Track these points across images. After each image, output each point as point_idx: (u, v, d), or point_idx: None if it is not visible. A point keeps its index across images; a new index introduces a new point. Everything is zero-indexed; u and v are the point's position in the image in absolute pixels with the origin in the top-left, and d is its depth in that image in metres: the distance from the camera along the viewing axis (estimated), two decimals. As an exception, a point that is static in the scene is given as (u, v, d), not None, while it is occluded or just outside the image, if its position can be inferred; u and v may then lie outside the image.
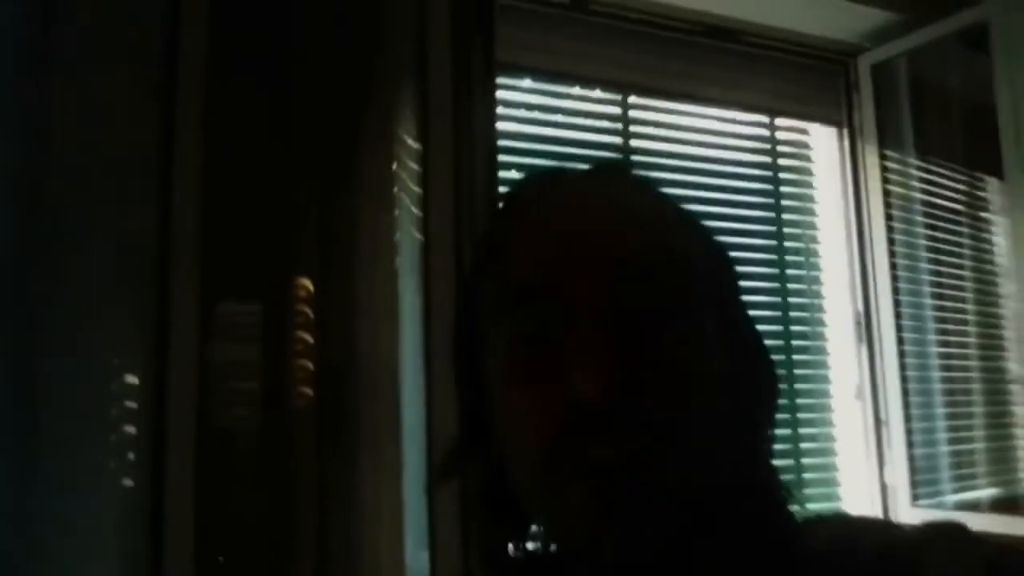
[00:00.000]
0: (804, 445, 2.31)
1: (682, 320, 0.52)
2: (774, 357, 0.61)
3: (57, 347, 1.43)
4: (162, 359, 1.45)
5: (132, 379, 1.50)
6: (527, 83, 2.10)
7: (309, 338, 1.55)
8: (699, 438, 0.51)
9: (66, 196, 1.46)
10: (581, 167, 0.63)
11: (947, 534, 0.54)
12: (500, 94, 1.94)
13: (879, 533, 0.55)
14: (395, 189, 1.67)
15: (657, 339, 0.51)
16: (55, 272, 1.44)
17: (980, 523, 2.14)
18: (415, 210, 1.68)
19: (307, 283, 1.56)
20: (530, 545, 0.61)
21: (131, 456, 1.49)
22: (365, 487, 1.55)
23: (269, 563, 1.49)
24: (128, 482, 1.48)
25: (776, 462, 0.60)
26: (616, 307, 0.51)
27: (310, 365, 1.55)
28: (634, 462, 0.49)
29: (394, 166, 1.67)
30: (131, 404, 1.50)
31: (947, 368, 2.35)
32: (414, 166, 1.69)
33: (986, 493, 2.27)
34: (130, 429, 1.49)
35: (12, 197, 1.45)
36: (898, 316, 2.36)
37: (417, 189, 1.68)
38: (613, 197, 0.58)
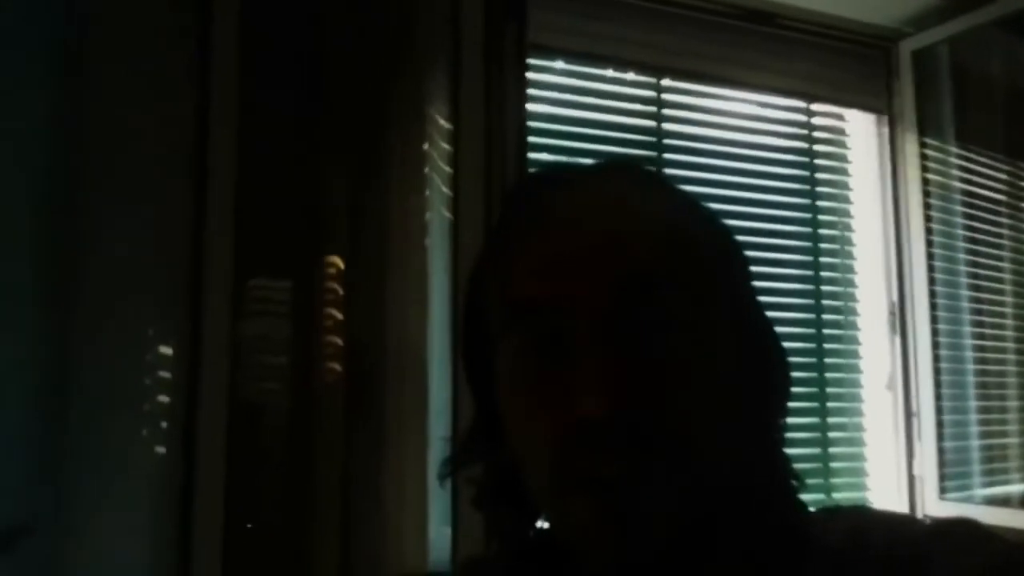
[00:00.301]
0: (833, 435, 2.30)
1: (689, 327, 0.52)
2: (785, 344, 0.60)
3: (93, 316, 1.46)
4: (195, 332, 1.48)
5: (166, 350, 1.54)
6: (560, 65, 2.09)
7: (339, 315, 1.58)
8: (708, 447, 0.51)
9: (103, 171, 1.49)
10: (585, 164, 0.61)
11: (959, 530, 0.54)
12: (532, 76, 1.94)
13: (892, 527, 0.55)
14: (426, 169, 1.68)
15: (662, 351, 0.50)
16: (92, 244, 1.48)
17: (1009, 519, 2.12)
18: (446, 190, 1.69)
19: (338, 261, 1.59)
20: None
21: (164, 424, 1.53)
22: (390, 462, 1.57)
23: (295, 534, 1.52)
24: (161, 449, 1.52)
25: (788, 451, 0.60)
26: (619, 321, 0.50)
27: (339, 341, 1.57)
28: (641, 478, 0.49)
29: (425, 146, 1.69)
30: (165, 374, 1.54)
31: (982, 361, 2.32)
32: (446, 146, 1.70)
33: (1017, 488, 2.24)
34: (164, 398, 1.53)
35: (50, 172, 1.49)
36: (933, 307, 2.33)
37: (448, 169, 1.69)
38: (616, 201, 0.55)
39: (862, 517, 0.57)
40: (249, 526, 1.52)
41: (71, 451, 1.43)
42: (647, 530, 0.50)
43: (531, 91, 1.92)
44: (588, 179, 0.59)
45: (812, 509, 0.60)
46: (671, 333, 0.51)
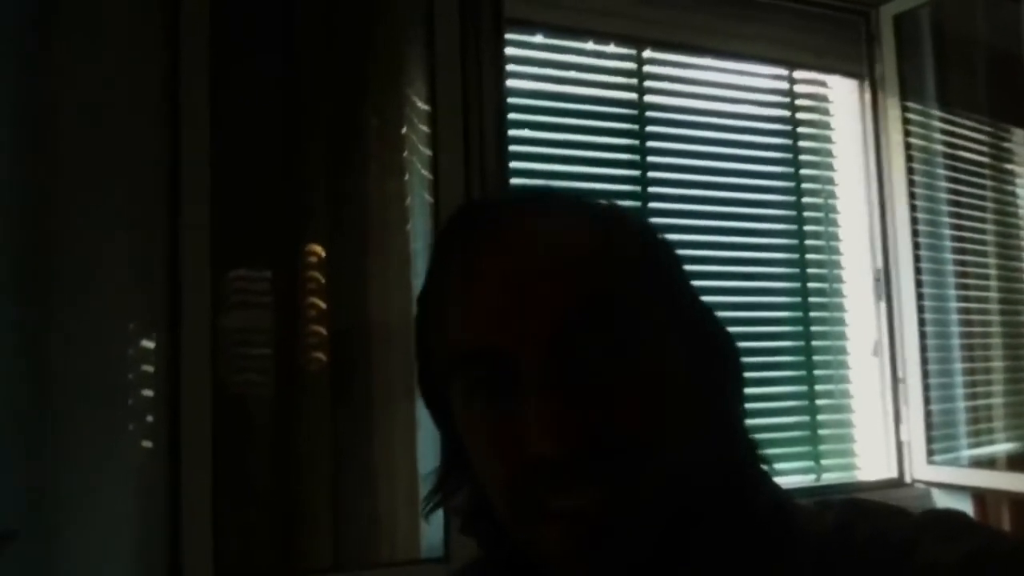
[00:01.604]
0: (820, 402, 2.31)
1: (631, 344, 0.52)
2: (728, 328, 0.60)
3: (72, 312, 1.45)
4: (175, 325, 1.47)
5: (148, 344, 1.52)
6: (539, 39, 2.06)
7: (321, 304, 1.56)
8: (669, 456, 0.52)
9: (76, 164, 1.46)
10: (506, 195, 0.61)
11: (944, 521, 0.55)
12: (511, 51, 1.91)
13: (878, 518, 0.56)
14: (405, 153, 1.66)
15: (609, 376, 0.51)
16: (67, 238, 1.46)
17: (996, 481, 2.14)
18: (426, 173, 1.67)
19: (318, 249, 1.57)
20: None
21: (149, 419, 1.52)
22: (379, 450, 1.57)
23: (284, 523, 1.52)
24: (147, 444, 1.51)
25: (752, 434, 0.60)
26: (561, 355, 0.50)
27: (323, 331, 1.56)
28: (601, 506, 0.50)
29: (404, 129, 1.66)
30: (148, 368, 1.52)
31: (967, 323, 2.33)
32: (424, 129, 1.68)
33: (1002, 448, 2.26)
34: (148, 392, 1.52)
35: (22, 163, 1.46)
36: (918, 272, 2.33)
37: (428, 152, 1.67)
38: (541, 236, 0.55)
39: (849, 509, 0.57)
40: (242, 512, 1.52)
41: (55, 449, 1.42)
42: (618, 548, 0.51)
43: (510, 66, 1.90)
44: (509, 216, 0.58)
45: (802, 501, 0.60)
46: (615, 355, 0.51)
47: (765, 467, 0.59)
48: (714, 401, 0.57)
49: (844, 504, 0.58)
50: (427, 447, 1.58)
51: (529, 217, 0.58)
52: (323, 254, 1.57)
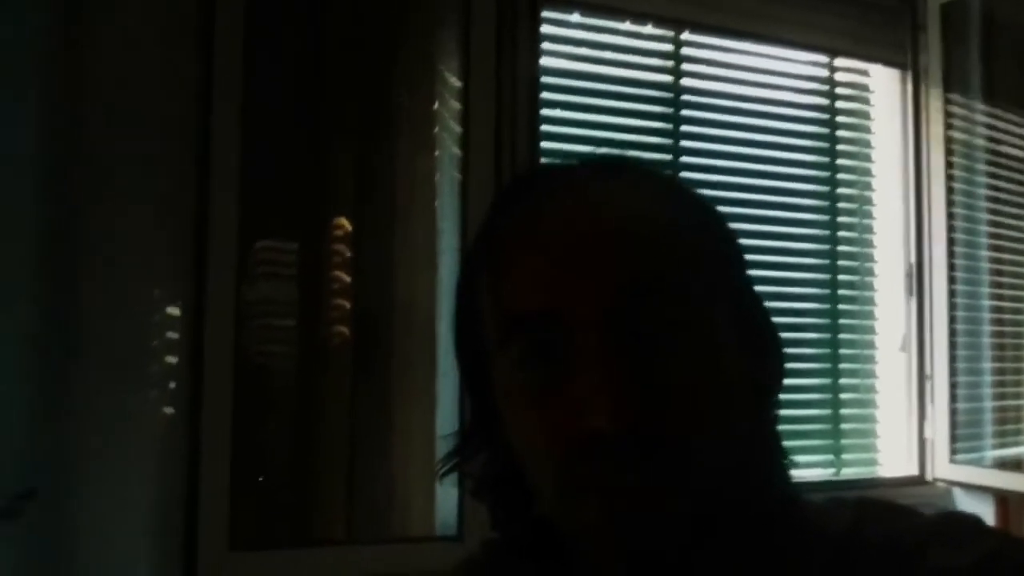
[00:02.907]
0: (845, 396, 2.28)
1: (688, 328, 0.51)
2: (779, 322, 0.60)
3: (99, 278, 1.46)
4: (200, 293, 1.47)
5: (173, 311, 1.53)
6: (575, 18, 2.03)
7: (346, 277, 1.56)
8: (713, 448, 0.51)
9: (106, 135, 1.47)
10: (573, 164, 0.60)
11: (957, 524, 0.54)
12: (546, 29, 1.89)
13: (893, 519, 0.56)
14: (436, 129, 1.64)
15: (663, 357, 0.50)
16: (97, 204, 1.46)
17: (1017, 482, 2.11)
18: (456, 150, 1.66)
19: (345, 223, 1.57)
20: None
21: (172, 385, 1.53)
22: (397, 426, 1.58)
23: (301, 494, 1.54)
24: (168, 410, 1.53)
25: (779, 434, 0.60)
26: (619, 330, 0.49)
27: (347, 304, 1.56)
28: (646, 488, 0.49)
29: (435, 105, 1.65)
30: (172, 335, 1.53)
31: (998, 322, 2.28)
32: (456, 105, 1.66)
33: (1027, 450, 2.23)
34: (171, 359, 1.53)
35: (54, 139, 1.47)
36: (951, 268, 2.28)
37: (458, 129, 1.66)
38: (607, 205, 0.54)
39: (864, 508, 0.57)
40: (260, 479, 1.53)
41: (76, 412, 1.43)
42: (656, 534, 0.50)
43: (545, 45, 1.87)
44: (577, 181, 0.57)
45: (815, 497, 0.60)
46: (671, 337, 0.50)
47: (786, 462, 0.59)
48: (756, 395, 0.56)
49: (858, 503, 0.58)
50: (446, 426, 1.59)
51: (598, 183, 0.57)
52: (350, 228, 1.56)
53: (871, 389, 2.33)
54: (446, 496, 1.60)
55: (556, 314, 0.50)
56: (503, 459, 0.57)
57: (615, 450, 0.48)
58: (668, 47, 2.13)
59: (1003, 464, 2.23)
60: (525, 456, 0.55)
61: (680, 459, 0.49)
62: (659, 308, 0.50)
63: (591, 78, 2.04)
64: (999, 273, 2.29)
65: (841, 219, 2.33)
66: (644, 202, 0.55)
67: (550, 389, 0.50)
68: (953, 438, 2.25)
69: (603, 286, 0.50)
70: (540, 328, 0.51)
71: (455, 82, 1.66)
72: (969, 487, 2.23)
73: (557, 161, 0.63)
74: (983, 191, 2.30)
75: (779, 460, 0.58)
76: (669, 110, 2.12)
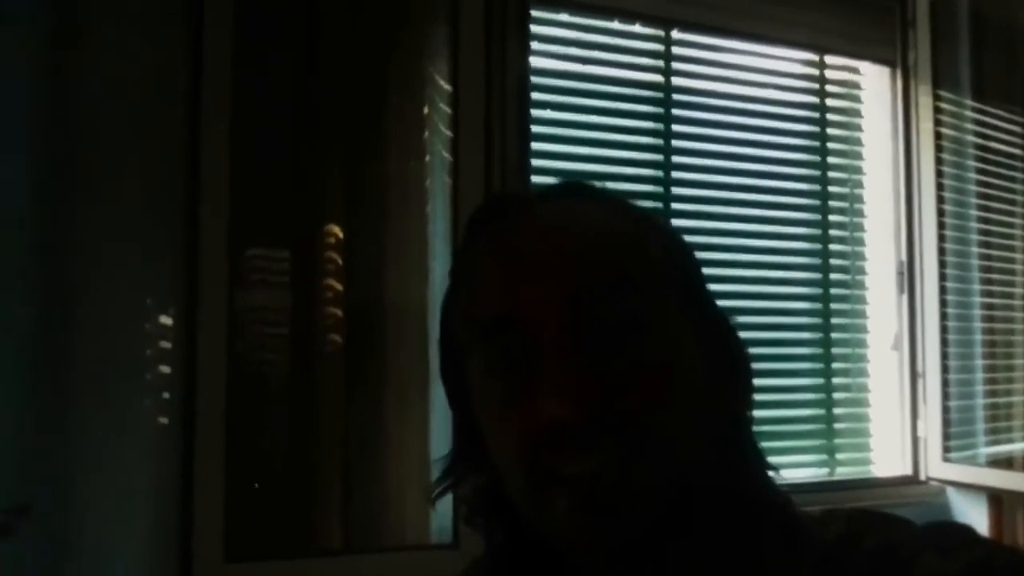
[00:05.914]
0: (837, 395, 2.28)
1: (645, 327, 0.54)
2: (742, 335, 0.62)
3: (90, 287, 1.44)
4: (193, 302, 1.46)
5: (166, 320, 1.52)
6: (564, 17, 2.02)
7: (338, 285, 1.55)
8: (673, 437, 0.53)
9: (98, 145, 1.45)
10: (537, 188, 0.64)
11: (947, 533, 0.56)
12: (535, 29, 1.87)
13: (884, 530, 0.57)
14: (426, 134, 1.63)
15: (622, 352, 0.53)
16: (88, 213, 1.45)
17: (1011, 481, 2.12)
18: (446, 155, 1.65)
19: (337, 230, 1.55)
20: None
21: (165, 395, 1.52)
22: (392, 433, 1.57)
23: (295, 503, 1.53)
24: (163, 420, 1.51)
25: (759, 441, 0.62)
26: (579, 329, 0.52)
27: (339, 312, 1.55)
28: (611, 472, 0.51)
29: (425, 110, 1.64)
30: (165, 344, 1.52)
31: (990, 319, 2.29)
32: (446, 109, 1.65)
33: (1021, 447, 2.23)
34: (164, 368, 1.52)
35: (44, 150, 1.45)
36: (942, 265, 2.29)
37: (449, 133, 1.64)
38: (568, 220, 0.58)
39: (855, 519, 0.58)
40: (256, 486, 1.52)
41: (71, 424, 1.42)
42: (623, 523, 0.52)
43: (535, 45, 1.86)
44: (540, 203, 0.61)
45: (810, 509, 0.61)
46: (627, 333, 0.53)
47: (771, 473, 0.60)
48: (721, 401, 0.58)
49: (851, 514, 0.59)
50: (440, 432, 1.58)
51: (559, 204, 0.61)
52: (341, 235, 1.55)
53: (863, 388, 2.33)
54: (441, 504, 1.59)
55: (515, 318, 0.54)
56: (491, 480, 0.59)
57: (577, 437, 0.50)
58: (658, 46, 2.13)
59: (995, 462, 2.24)
60: (500, 463, 0.57)
61: (641, 442, 0.52)
62: (614, 308, 0.54)
63: (581, 78, 2.03)
64: (988, 269, 2.30)
65: (832, 216, 2.33)
66: (597, 218, 0.59)
67: (516, 386, 0.53)
68: (946, 436, 2.25)
69: (559, 289, 0.53)
70: (502, 332, 0.55)
71: (445, 86, 1.65)
72: (962, 486, 2.23)
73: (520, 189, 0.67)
74: (973, 187, 2.30)
75: (755, 464, 0.60)
76: (659, 109, 2.12)
